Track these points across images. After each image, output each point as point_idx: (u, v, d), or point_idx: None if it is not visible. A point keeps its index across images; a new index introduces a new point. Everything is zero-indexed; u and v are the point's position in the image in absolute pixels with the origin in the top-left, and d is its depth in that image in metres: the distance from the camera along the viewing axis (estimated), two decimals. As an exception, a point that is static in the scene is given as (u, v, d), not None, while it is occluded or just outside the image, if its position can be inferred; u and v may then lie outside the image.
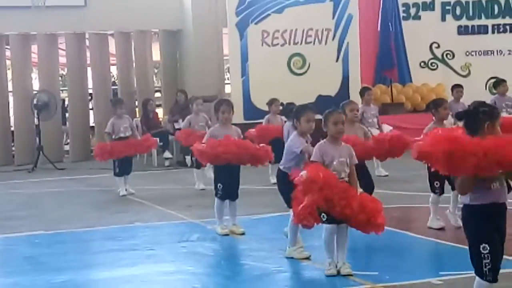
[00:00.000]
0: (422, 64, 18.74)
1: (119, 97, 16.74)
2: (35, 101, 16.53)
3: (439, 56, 18.80)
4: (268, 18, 16.86)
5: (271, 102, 12.99)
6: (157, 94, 19.46)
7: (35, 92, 17.52)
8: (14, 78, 17.75)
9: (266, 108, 13.36)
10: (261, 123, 12.96)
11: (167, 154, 16.22)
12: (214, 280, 6.85)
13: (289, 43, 17.00)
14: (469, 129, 4.82)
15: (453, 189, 8.17)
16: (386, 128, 12.65)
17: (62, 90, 19.66)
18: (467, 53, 18.84)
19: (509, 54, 18.94)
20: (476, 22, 18.90)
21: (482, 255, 4.74)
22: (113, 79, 20.27)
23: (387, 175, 12.70)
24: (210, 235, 8.57)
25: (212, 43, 17.73)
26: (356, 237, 7.98)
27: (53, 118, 16.98)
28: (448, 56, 18.80)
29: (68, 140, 18.65)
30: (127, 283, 6.71)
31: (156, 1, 17.82)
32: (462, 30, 18.84)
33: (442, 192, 8.28)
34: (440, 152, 4.58)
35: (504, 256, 4.93)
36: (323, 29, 17.10)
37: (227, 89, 18.49)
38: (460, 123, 4.99)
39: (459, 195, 5.12)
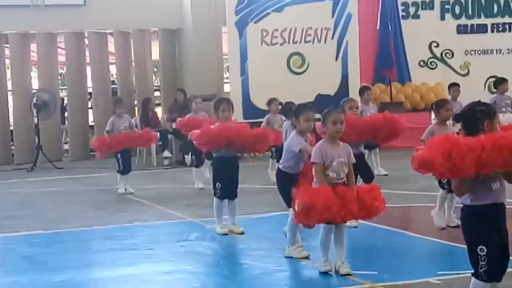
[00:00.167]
0: (421, 63, 18.73)
1: (119, 96, 16.73)
2: (34, 100, 16.52)
3: (438, 55, 18.79)
4: (268, 17, 16.85)
5: (270, 101, 12.99)
6: (156, 93, 19.45)
7: (35, 91, 17.51)
8: (14, 77, 17.74)
9: (265, 107, 13.35)
10: (260, 122, 12.94)
11: (166, 153, 16.22)
12: (213, 279, 6.85)
13: (289, 42, 16.99)
14: (468, 130, 4.80)
15: (443, 189, 8.17)
16: None
17: (61, 89, 19.66)
18: (466, 52, 18.83)
19: (509, 53, 18.93)
20: (476, 21, 18.89)
21: (479, 256, 4.73)
22: (112, 78, 20.26)
23: (386, 175, 12.71)
24: (209, 234, 8.57)
25: (211, 42, 17.72)
26: (356, 237, 8.00)
27: (53, 117, 16.97)
28: (447, 55, 18.80)
29: (68, 139, 18.64)
30: (126, 282, 6.71)
31: (155, 0, 17.80)
32: (461, 29, 18.84)
33: (449, 188, 8.13)
34: (438, 155, 4.57)
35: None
36: (322, 28, 17.09)
37: (226, 88, 18.48)
38: (459, 125, 4.97)
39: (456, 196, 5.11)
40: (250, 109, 16.28)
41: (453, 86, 13.64)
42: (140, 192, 12.04)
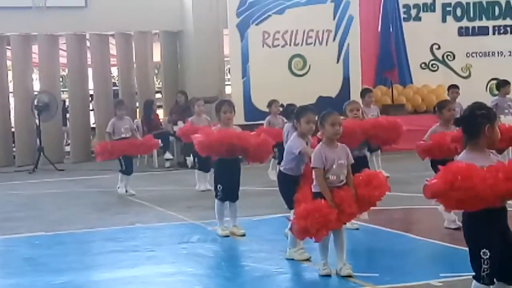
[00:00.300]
0: (422, 65, 18.74)
1: (120, 98, 16.73)
2: (35, 102, 16.54)
3: (440, 58, 18.80)
4: (269, 19, 16.87)
5: (271, 103, 13.03)
6: (158, 95, 19.46)
7: (36, 93, 17.53)
8: (15, 78, 17.75)
9: (266, 109, 13.37)
10: (262, 124, 12.95)
11: (167, 155, 16.23)
12: (214, 281, 6.85)
13: (290, 44, 17.01)
14: (469, 134, 4.79)
15: None
16: None
17: (62, 91, 19.68)
18: (468, 55, 18.84)
19: (510, 55, 18.94)
20: (477, 23, 18.90)
21: (482, 260, 4.71)
22: (113, 80, 20.27)
23: (388, 177, 12.66)
24: (210, 236, 8.57)
25: (212, 44, 17.73)
26: (357, 239, 8.00)
27: (54, 119, 16.98)
28: (449, 57, 18.80)
29: (69, 141, 18.65)
30: (127, 284, 6.71)
31: (157, 2, 17.82)
32: (463, 31, 18.84)
33: None
34: (452, 197, 4.59)
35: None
36: (323, 30, 17.11)
37: (228, 90, 18.49)
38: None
39: None
40: (251, 111, 16.28)
41: (452, 88, 13.63)
42: (142, 194, 12.04)
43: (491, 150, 4.83)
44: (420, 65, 18.71)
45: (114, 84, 19.75)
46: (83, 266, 7.43)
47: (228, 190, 8.47)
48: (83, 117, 18.06)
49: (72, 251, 8.19)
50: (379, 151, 12.87)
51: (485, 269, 4.71)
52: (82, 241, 8.79)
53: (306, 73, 17.05)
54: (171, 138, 16.25)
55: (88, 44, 18.16)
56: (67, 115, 18.93)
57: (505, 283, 4.83)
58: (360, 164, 8.09)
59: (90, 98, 18.69)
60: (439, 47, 18.74)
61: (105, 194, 12.38)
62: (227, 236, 8.45)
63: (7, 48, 17.83)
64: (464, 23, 18.84)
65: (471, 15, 18.87)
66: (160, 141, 16.16)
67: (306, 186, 6.67)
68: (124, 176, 12.04)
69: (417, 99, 18.21)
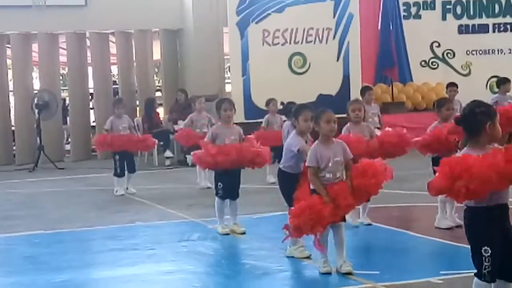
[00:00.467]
0: (422, 63, 18.74)
1: (119, 97, 16.74)
2: (35, 101, 16.54)
3: (440, 55, 18.80)
4: (269, 17, 16.86)
5: (269, 101, 13.04)
6: (158, 94, 19.46)
7: (36, 91, 17.53)
8: (15, 77, 17.75)
9: (265, 107, 13.37)
10: (261, 122, 12.95)
11: (168, 153, 16.23)
12: (214, 279, 6.85)
13: (290, 42, 17.00)
14: (470, 133, 4.78)
15: None
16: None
17: (62, 90, 19.68)
18: (468, 52, 18.83)
19: (510, 53, 18.93)
20: (477, 21, 18.89)
21: (483, 257, 4.70)
22: (113, 79, 20.27)
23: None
24: (210, 234, 8.57)
25: (212, 42, 17.73)
26: (357, 237, 8.01)
27: (54, 118, 16.98)
28: (449, 55, 18.80)
29: (69, 140, 18.65)
30: (127, 282, 6.71)
31: (157, 0, 17.81)
32: (463, 29, 18.84)
33: None
34: (457, 187, 4.58)
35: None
36: (323, 28, 17.10)
37: (228, 88, 18.49)
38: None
39: None
40: (251, 109, 16.28)
41: (450, 86, 13.61)
42: (142, 192, 12.05)
43: (491, 146, 4.82)
44: (420, 63, 18.71)
45: (114, 83, 19.74)
46: (83, 264, 7.43)
47: (228, 188, 8.48)
48: (83, 116, 18.06)
49: (72, 250, 8.19)
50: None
51: (486, 267, 4.71)
52: (82, 240, 8.79)
53: (306, 71, 17.05)
54: (171, 136, 16.25)
55: (88, 42, 18.15)
56: (67, 114, 18.91)
57: (506, 281, 4.82)
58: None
59: (90, 97, 18.69)
60: (439, 45, 18.74)
61: (105, 192, 12.38)
62: (227, 234, 8.46)
63: (7, 47, 17.82)
64: (464, 21, 18.84)
65: (471, 13, 18.87)
66: (158, 140, 16.23)
67: (305, 183, 6.67)
68: (119, 179, 12.01)
69: (417, 97, 18.20)
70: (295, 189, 6.79)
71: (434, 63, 18.77)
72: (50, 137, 17.10)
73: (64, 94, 19.86)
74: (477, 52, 18.85)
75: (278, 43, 16.94)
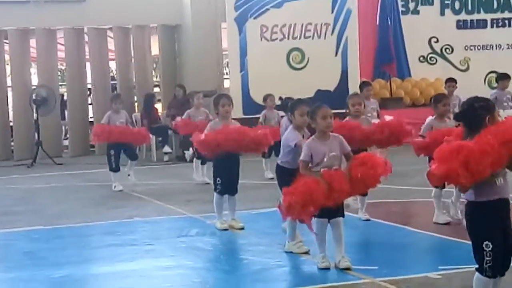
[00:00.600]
0: (421, 58, 18.75)
1: (117, 92, 16.74)
2: (34, 96, 16.53)
3: (438, 51, 18.80)
4: (267, 12, 16.85)
5: (266, 97, 13.06)
6: (156, 89, 19.45)
7: (34, 87, 17.51)
8: (13, 73, 17.74)
9: (263, 103, 13.38)
10: (258, 117, 12.94)
11: (166, 148, 16.23)
12: (213, 274, 6.85)
13: (288, 38, 16.99)
14: (471, 128, 4.79)
15: (436, 187, 8.16)
16: (388, 118, 12.64)
17: (61, 85, 19.66)
18: (466, 48, 18.83)
19: (508, 48, 18.94)
20: (475, 16, 18.89)
21: (485, 252, 4.71)
22: (112, 74, 20.25)
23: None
24: (209, 230, 8.57)
25: (211, 37, 17.72)
26: (355, 232, 8.01)
27: (52, 113, 16.98)
28: (447, 50, 18.80)
29: (67, 135, 18.64)
30: (126, 278, 6.71)
31: (155, -4, 17.82)
32: (461, 25, 18.84)
33: (443, 185, 8.15)
34: (456, 166, 4.57)
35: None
36: (322, 24, 17.09)
37: (226, 84, 18.48)
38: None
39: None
40: (249, 105, 16.27)
41: (449, 82, 13.62)
42: (140, 187, 12.05)
43: None
44: (419, 58, 18.71)
45: (112, 78, 19.73)
46: (82, 260, 7.43)
47: (227, 184, 8.48)
48: (81, 111, 18.05)
49: (71, 245, 8.19)
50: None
51: (488, 261, 4.72)
52: (81, 235, 8.79)
53: (305, 66, 17.04)
54: (169, 132, 16.25)
55: (86, 38, 18.13)
56: (66, 109, 18.90)
57: (499, 275, 4.84)
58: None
59: (88, 92, 18.68)
60: (437, 40, 18.74)
61: (103, 188, 12.37)
62: (226, 229, 8.46)
63: (5, 42, 17.80)
64: (463, 16, 18.84)
65: (470, 8, 18.86)
66: (157, 136, 16.24)
67: (301, 178, 6.64)
68: (115, 174, 12.03)
69: (416, 92, 18.21)
70: (293, 184, 6.79)
71: (432, 59, 18.78)
72: (48, 132, 17.10)
73: (62, 90, 19.83)
74: (476, 47, 18.86)
75: (277, 39, 16.93)
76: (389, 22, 18.20)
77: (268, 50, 16.78)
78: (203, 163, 12.04)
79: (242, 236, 8.28)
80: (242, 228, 8.49)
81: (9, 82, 18.04)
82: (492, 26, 18.96)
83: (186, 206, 10.23)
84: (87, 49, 18.16)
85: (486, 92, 13.20)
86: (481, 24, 18.90)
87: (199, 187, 11.95)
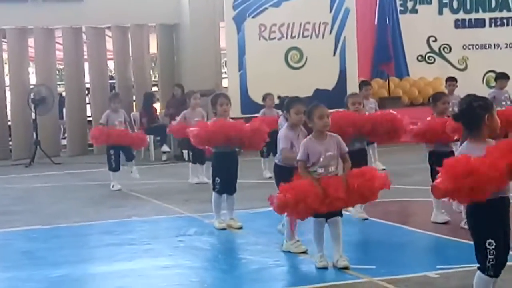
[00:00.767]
0: (419, 58, 18.76)
1: (116, 91, 16.73)
2: (32, 96, 16.52)
3: (436, 50, 18.82)
4: (265, 11, 16.85)
5: (265, 96, 13.07)
6: (154, 88, 19.44)
7: (32, 86, 17.50)
8: (11, 72, 17.73)
9: (262, 102, 13.38)
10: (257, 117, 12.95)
11: (165, 147, 16.24)
12: (211, 274, 6.85)
13: (286, 37, 16.99)
14: (470, 127, 4.79)
15: None
16: None
17: (59, 85, 19.65)
18: (464, 47, 18.86)
19: (506, 47, 18.96)
20: (473, 15, 18.91)
21: (488, 250, 4.71)
22: (110, 73, 20.24)
23: (384, 169, 12.70)
24: (207, 229, 8.57)
25: (209, 37, 17.71)
26: (353, 231, 8.02)
27: (50, 113, 16.96)
28: (445, 49, 18.82)
29: (65, 135, 18.63)
30: (124, 277, 6.71)
31: (153, -5, 17.81)
32: (459, 24, 18.86)
33: None
34: (462, 188, 4.60)
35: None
36: (320, 23, 17.09)
37: (224, 83, 18.48)
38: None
39: None
40: (248, 104, 16.28)
41: (449, 81, 13.62)
42: (138, 187, 12.04)
43: (490, 140, 4.84)
44: (417, 58, 18.73)
45: (111, 78, 19.72)
46: (80, 259, 7.43)
47: (225, 183, 8.47)
48: (80, 111, 18.05)
49: (69, 245, 8.19)
50: (375, 144, 12.86)
51: (491, 260, 4.71)
52: (79, 235, 8.79)
53: (303, 66, 17.04)
54: (168, 131, 16.23)
55: (84, 37, 18.12)
56: (64, 109, 18.89)
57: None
58: (359, 156, 8.11)
59: (86, 92, 18.67)
60: (435, 40, 18.76)
61: (101, 187, 12.37)
62: (224, 229, 8.46)
63: (3, 41, 17.79)
64: (461, 15, 18.86)
65: (468, 7, 18.88)
66: (155, 135, 16.24)
67: (298, 176, 6.64)
68: (114, 173, 12.03)
69: (414, 92, 18.22)
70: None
71: (430, 58, 18.79)
72: (47, 132, 17.09)
73: (61, 89, 19.84)
74: (474, 46, 18.88)
75: (275, 38, 16.93)
76: (387, 22, 18.21)
77: (266, 49, 16.78)
78: (202, 163, 12.04)
79: (240, 236, 8.29)
80: (240, 228, 8.49)
81: (7, 81, 18.03)
82: (490, 26, 18.99)
83: (184, 206, 10.23)
84: (85, 48, 18.14)
85: (484, 92, 13.18)
86: (479, 23, 18.92)
87: (197, 186, 11.95)
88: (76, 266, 7.14)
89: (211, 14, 17.64)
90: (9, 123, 17.67)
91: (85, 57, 18.20)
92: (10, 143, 17.69)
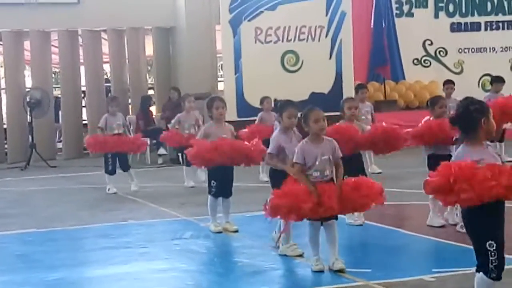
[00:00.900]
0: (415, 61, 18.78)
1: (114, 95, 16.70)
2: (27, 99, 16.50)
3: (432, 53, 18.84)
4: (261, 15, 16.84)
5: (263, 99, 13.06)
6: (150, 91, 19.44)
7: (28, 89, 17.48)
8: (7, 75, 17.71)
9: (259, 106, 13.38)
10: (254, 120, 12.96)
11: (161, 150, 16.23)
12: (207, 277, 6.85)
13: (282, 40, 16.99)
14: (466, 130, 4.80)
15: None
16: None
17: (55, 88, 19.63)
18: (460, 50, 18.88)
19: (502, 51, 19.00)
20: (469, 19, 18.94)
21: (489, 252, 4.70)
22: (106, 77, 20.23)
23: (380, 173, 12.72)
24: (203, 232, 8.57)
25: (205, 40, 17.72)
26: (349, 235, 8.01)
27: (46, 116, 16.95)
28: (441, 53, 18.84)
29: (61, 138, 18.61)
30: (120, 280, 6.70)
31: (149, -2, 17.81)
32: (455, 27, 18.89)
33: None
34: (455, 193, 4.61)
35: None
36: (316, 26, 17.09)
37: (220, 86, 18.47)
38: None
39: None
40: (244, 107, 16.27)
41: (447, 84, 13.64)
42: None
43: (488, 142, 4.85)
44: (413, 61, 18.75)
45: (107, 81, 19.71)
46: (76, 263, 7.42)
47: (221, 186, 8.47)
48: (75, 114, 18.03)
49: (65, 248, 8.18)
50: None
51: (493, 261, 4.70)
52: (75, 238, 8.77)
53: (299, 69, 17.04)
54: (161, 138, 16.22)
55: (80, 40, 18.11)
56: (59, 112, 18.87)
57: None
58: (355, 160, 8.11)
59: (82, 95, 18.65)
60: (431, 43, 18.78)
61: (97, 190, 12.36)
62: (220, 232, 8.46)
63: (-1, 44, 17.80)
64: (457, 19, 18.89)
65: (463, 11, 18.91)
66: (151, 138, 16.22)
67: (292, 178, 6.63)
68: (111, 177, 12.01)
69: (410, 95, 18.23)
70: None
71: (426, 61, 18.82)
72: (42, 135, 17.07)
73: (56, 92, 19.82)
74: (470, 50, 18.91)
75: (271, 41, 16.93)
76: (383, 25, 18.23)
77: (262, 53, 16.77)
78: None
79: (236, 239, 8.28)
80: (236, 231, 8.48)
81: (3, 84, 18.00)
82: (486, 29, 19.01)
83: (180, 209, 10.22)
84: (81, 51, 18.14)
85: (480, 95, 13.17)
86: (475, 26, 18.95)
87: (193, 190, 11.95)
88: (72, 269, 7.13)
89: (207, 17, 17.65)
90: (5, 126, 17.64)
91: (81, 60, 18.18)
92: (6, 146, 17.66)
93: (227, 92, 16.45)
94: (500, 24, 19.05)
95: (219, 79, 18.95)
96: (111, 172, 12.01)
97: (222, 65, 18.05)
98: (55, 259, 7.60)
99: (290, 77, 16.83)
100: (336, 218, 6.63)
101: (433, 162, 7.78)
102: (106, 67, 19.95)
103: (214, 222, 8.58)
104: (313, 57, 16.93)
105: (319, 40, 17.12)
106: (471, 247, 4.92)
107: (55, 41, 18.10)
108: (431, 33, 18.71)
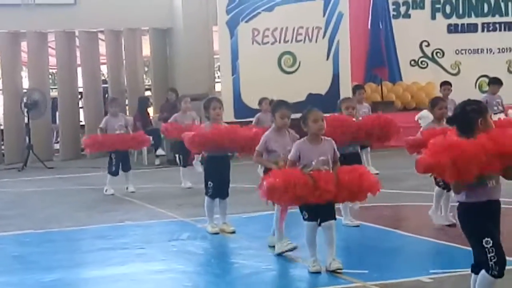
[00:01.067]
0: (412, 62, 18.79)
1: (114, 96, 16.69)
2: (25, 100, 16.50)
3: (429, 55, 18.85)
4: (259, 16, 16.85)
5: (261, 100, 13.07)
6: (147, 93, 19.43)
7: (25, 90, 17.47)
8: (4, 76, 17.71)
9: (257, 106, 13.39)
10: (251, 121, 12.95)
11: (159, 151, 16.23)
12: (204, 278, 6.85)
13: (280, 41, 16.99)
14: (463, 131, 4.80)
15: (439, 186, 8.17)
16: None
17: (52, 89, 19.61)
18: (457, 52, 18.90)
19: (499, 52, 19.02)
20: (466, 20, 18.96)
21: (486, 249, 4.69)
22: (103, 78, 20.22)
23: (377, 174, 12.71)
24: (200, 233, 8.57)
25: (202, 41, 17.72)
26: (346, 236, 8.02)
27: (43, 117, 16.94)
28: (438, 54, 18.85)
29: (58, 139, 18.60)
30: (117, 282, 6.70)
31: (146, -1, 17.81)
32: (452, 29, 18.90)
33: (445, 185, 7.96)
34: (444, 162, 4.58)
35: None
36: (313, 27, 17.10)
37: (218, 87, 18.47)
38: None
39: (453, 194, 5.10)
40: (241, 108, 16.27)
41: (444, 85, 13.65)
42: (131, 191, 12.03)
43: None
44: (410, 62, 18.76)
45: (104, 82, 19.70)
46: (73, 264, 7.41)
47: (218, 187, 8.47)
48: (73, 115, 18.02)
49: (62, 249, 8.17)
50: (368, 148, 12.88)
51: (492, 257, 4.69)
52: (72, 239, 8.77)
53: (296, 70, 17.04)
54: (162, 135, 16.22)
55: (77, 41, 18.10)
56: (57, 113, 18.85)
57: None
58: (353, 160, 8.11)
59: (79, 96, 18.64)
60: (428, 44, 18.80)
61: (94, 191, 12.36)
62: (217, 233, 8.45)
63: (-4, 46, 17.77)
64: (453, 20, 18.91)
65: (460, 12, 18.93)
66: (151, 139, 16.22)
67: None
68: (112, 178, 12.00)
69: (407, 96, 18.24)
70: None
71: (423, 63, 18.83)
72: (39, 136, 17.06)
73: (54, 93, 19.78)
74: (466, 51, 18.92)
75: (268, 42, 16.93)
76: (381, 26, 18.23)
77: (259, 54, 16.77)
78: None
79: (233, 240, 8.28)
80: (233, 232, 8.48)
81: (0, 86, 17.98)
82: (483, 30, 19.04)
83: (177, 210, 10.22)
84: (78, 52, 18.13)
85: (477, 96, 13.18)
86: (472, 28, 18.97)
87: (190, 191, 11.95)
88: (69, 270, 7.12)
89: (204, 19, 17.64)
90: (2, 127, 17.64)
91: (78, 61, 18.17)
92: (3, 147, 17.65)
93: (224, 93, 16.45)
94: (497, 26, 19.07)
95: (216, 80, 18.96)
96: (114, 173, 11.98)
97: (219, 66, 18.05)
98: (52, 260, 7.59)
99: (287, 78, 16.83)
100: (335, 218, 6.63)
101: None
102: (103, 68, 19.95)
103: (211, 223, 8.57)
104: (310, 58, 16.94)
105: (316, 41, 17.13)
106: (468, 248, 4.93)
107: (52, 42, 18.09)
108: (428, 34, 18.73)
